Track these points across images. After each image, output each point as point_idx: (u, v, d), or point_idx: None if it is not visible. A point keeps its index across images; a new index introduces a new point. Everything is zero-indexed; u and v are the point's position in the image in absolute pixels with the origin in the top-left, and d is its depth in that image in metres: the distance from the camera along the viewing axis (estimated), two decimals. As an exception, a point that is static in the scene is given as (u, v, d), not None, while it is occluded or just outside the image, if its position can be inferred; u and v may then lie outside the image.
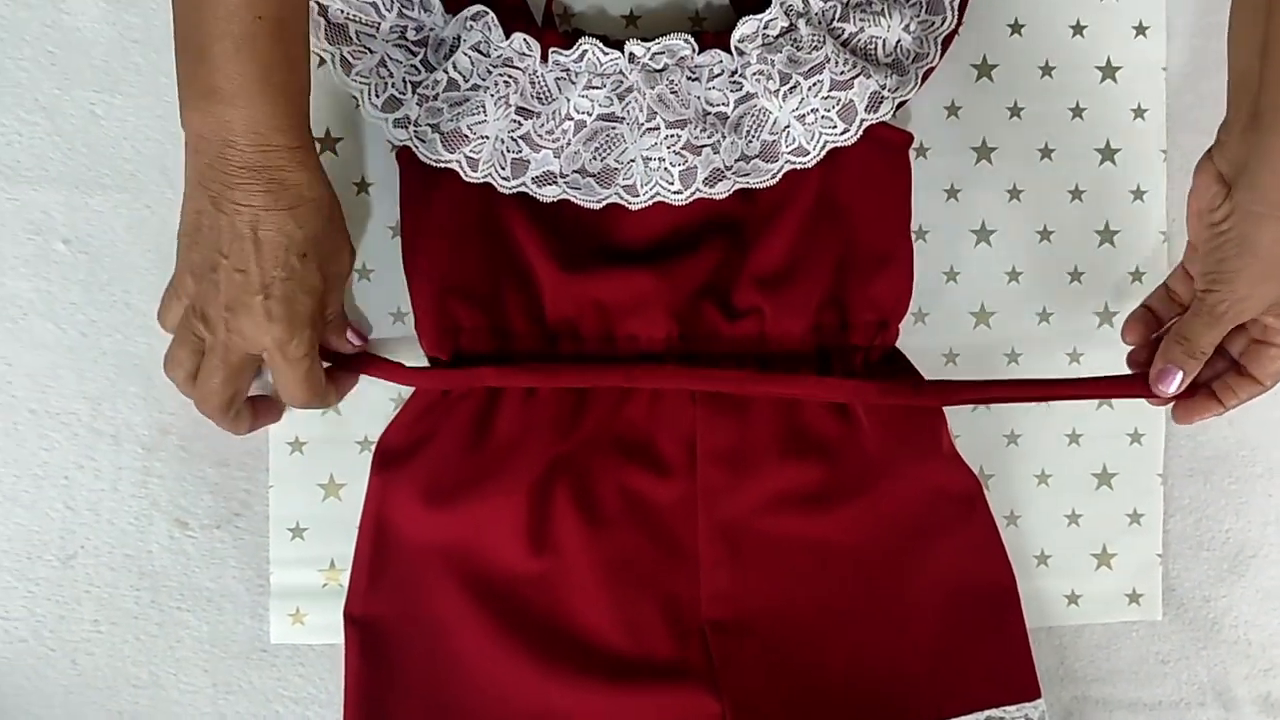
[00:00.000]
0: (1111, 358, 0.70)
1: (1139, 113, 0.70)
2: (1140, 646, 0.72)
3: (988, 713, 0.66)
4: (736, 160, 0.63)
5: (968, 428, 0.69)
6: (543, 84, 0.62)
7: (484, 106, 0.61)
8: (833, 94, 0.62)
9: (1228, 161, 0.57)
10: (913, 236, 0.67)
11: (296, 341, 0.58)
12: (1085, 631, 0.71)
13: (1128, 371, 0.65)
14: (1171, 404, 0.63)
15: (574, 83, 0.62)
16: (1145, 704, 0.72)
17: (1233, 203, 0.57)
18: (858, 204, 0.65)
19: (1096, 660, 0.71)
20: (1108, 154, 0.70)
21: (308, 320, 0.58)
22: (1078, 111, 0.69)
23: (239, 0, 0.53)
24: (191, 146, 0.56)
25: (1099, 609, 0.71)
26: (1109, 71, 0.70)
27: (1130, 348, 0.66)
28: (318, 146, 0.65)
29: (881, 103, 0.63)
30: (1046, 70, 0.69)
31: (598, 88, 0.62)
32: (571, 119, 0.63)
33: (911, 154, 0.66)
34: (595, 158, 0.63)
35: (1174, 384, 0.60)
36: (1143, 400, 0.66)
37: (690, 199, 0.63)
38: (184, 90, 0.56)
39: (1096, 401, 0.70)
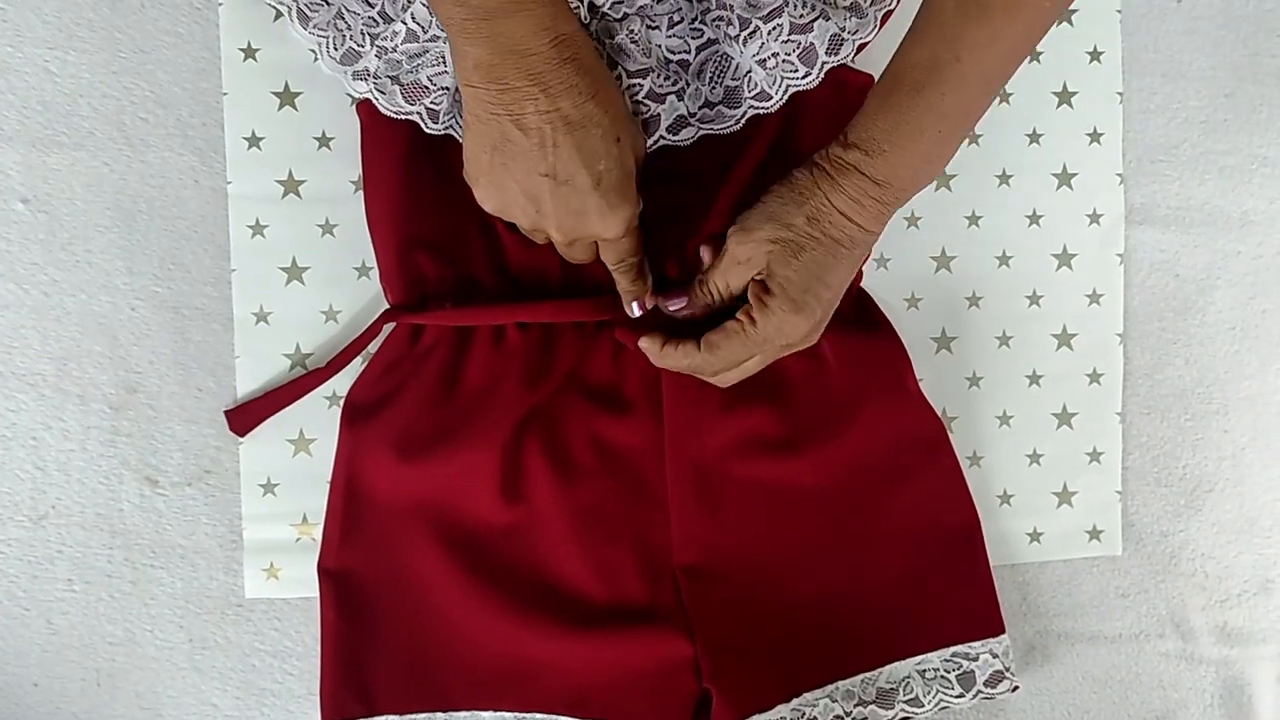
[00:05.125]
0: (1069, 300, 0.71)
1: (1095, 55, 0.70)
2: (1100, 581, 0.73)
3: (954, 649, 0.67)
4: (700, 107, 0.63)
5: (931, 370, 0.70)
6: (503, 34, 0.62)
7: (444, 57, 0.61)
8: (793, 37, 0.62)
9: None
10: (874, 182, 0.67)
11: (631, 221, 0.59)
12: (1047, 568, 0.73)
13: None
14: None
15: (534, 32, 0.62)
16: (1106, 636, 0.74)
17: None
18: (817, 147, 0.65)
19: (1058, 595, 0.73)
20: (1064, 97, 0.70)
21: (634, 198, 0.59)
22: (1034, 55, 0.70)
23: None
24: (477, 85, 0.55)
25: (1060, 546, 0.72)
26: (1064, 14, 0.70)
27: None
28: (276, 101, 0.65)
29: (842, 45, 0.63)
30: (1004, 14, 0.69)
31: (558, 37, 0.62)
32: (532, 69, 0.62)
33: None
34: (557, 108, 0.63)
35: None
36: (1102, 341, 0.70)
37: (654, 146, 0.63)
38: (455, 39, 0.54)
39: (1056, 343, 0.71)
